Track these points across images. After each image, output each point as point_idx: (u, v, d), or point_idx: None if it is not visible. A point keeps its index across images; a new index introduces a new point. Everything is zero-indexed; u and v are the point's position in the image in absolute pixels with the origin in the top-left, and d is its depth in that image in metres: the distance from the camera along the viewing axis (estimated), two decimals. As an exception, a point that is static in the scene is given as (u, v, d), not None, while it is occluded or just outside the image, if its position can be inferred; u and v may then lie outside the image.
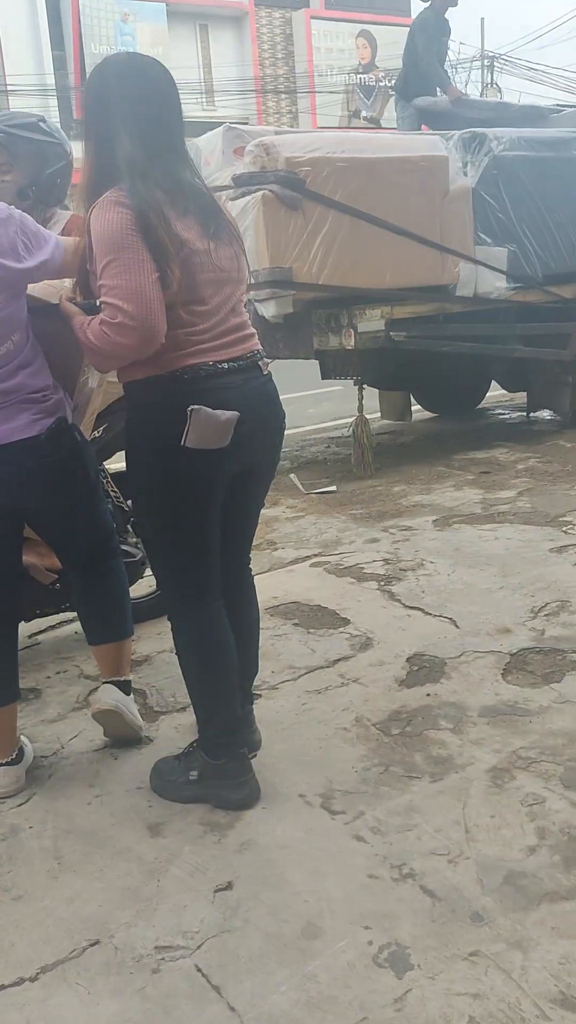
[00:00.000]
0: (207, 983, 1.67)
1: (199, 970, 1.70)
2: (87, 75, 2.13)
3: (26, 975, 1.73)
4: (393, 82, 8.50)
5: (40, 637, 3.29)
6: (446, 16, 6.85)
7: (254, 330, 2.13)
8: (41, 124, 2.75)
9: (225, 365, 1.99)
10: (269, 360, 2.16)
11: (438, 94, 6.74)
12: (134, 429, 2.06)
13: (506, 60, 21.70)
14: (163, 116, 1.98)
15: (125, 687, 2.47)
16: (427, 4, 6.81)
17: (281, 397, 2.19)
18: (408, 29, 7.05)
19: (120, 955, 1.75)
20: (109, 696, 2.42)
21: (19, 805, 2.28)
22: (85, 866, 2.02)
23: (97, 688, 2.48)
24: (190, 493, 2.04)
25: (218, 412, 1.94)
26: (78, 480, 2.24)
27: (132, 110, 1.93)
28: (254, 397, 2.05)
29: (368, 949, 1.71)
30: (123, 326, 1.85)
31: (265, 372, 2.12)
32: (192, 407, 1.92)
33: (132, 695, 2.51)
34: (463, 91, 7.12)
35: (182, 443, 1.94)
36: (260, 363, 2.10)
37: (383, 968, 1.67)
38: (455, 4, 6.76)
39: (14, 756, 2.34)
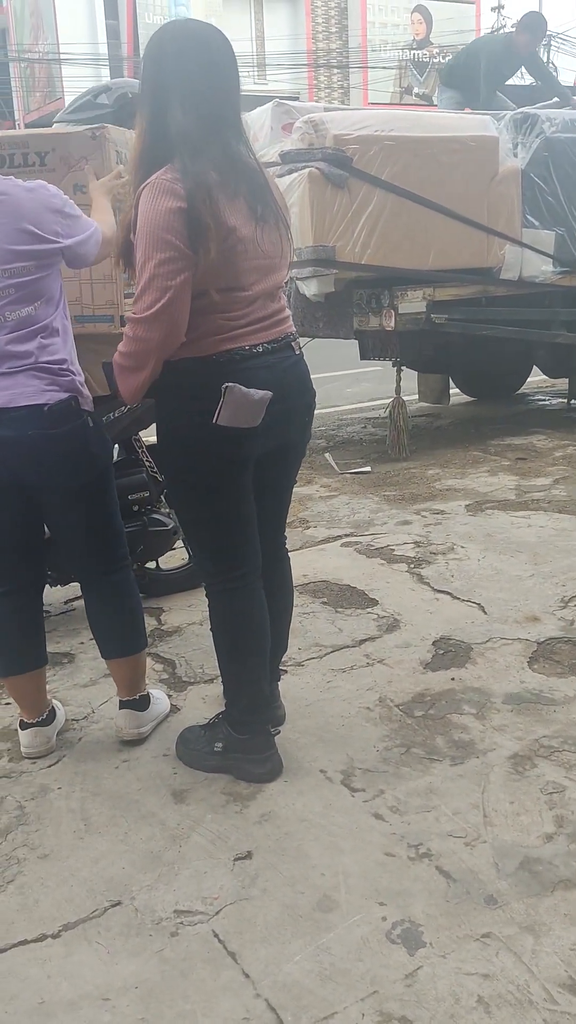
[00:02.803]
0: (223, 949, 1.71)
1: (216, 936, 1.74)
2: (140, 43, 2.15)
3: (48, 932, 1.78)
4: (447, 59, 8.32)
5: (75, 603, 3.35)
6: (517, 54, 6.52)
7: (289, 312, 2.14)
8: None
9: (259, 348, 2.01)
10: (308, 343, 2.17)
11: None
12: (165, 408, 2.06)
13: (563, 39, 21.21)
14: (221, 87, 1.93)
15: (143, 703, 2.44)
16: (500, 33, 6.53)
17: (319, 376, 2.21)
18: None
19: (140, 917, 1.80)
20: (130, 726, 2.42)
21: (49, 766, 2.35)
22: (110, 828, 2.08)
23: (118, 713, 2.44)
24: (220, 471, 2.05)
25: (251, 391, 1.96)
26: (84, 468, 2.19)
27: (190, 80, 1.90)
28: (286, 376, 2.07)
29: (382, 925, 1.74)
30: (150, 320, 1.89)
31: (297, 352, 2.13)
32: (226, 384, 1.94)
33: (151, 703, 2.48)
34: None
35: (214, 421, 1.95)
36: (293, 343, 2.11)
37: (395, 944, 1.70)
38: (522, 62, 6.47)
39: (44, 717, 2.40)
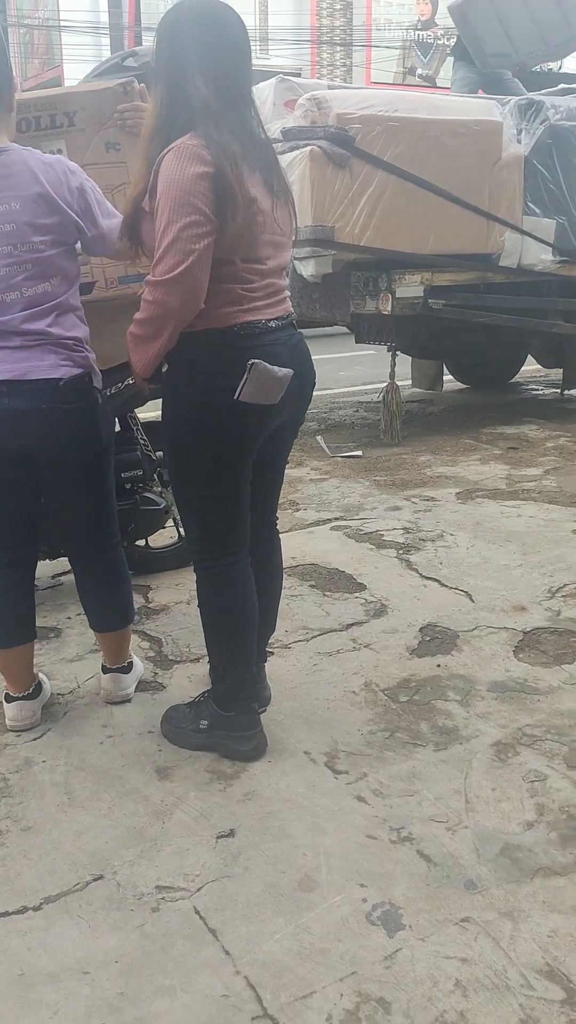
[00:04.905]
0: (204, 925, 1.72)
1: (197, 912, 1.75)
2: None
3: (30, 904, 1.79)
4: (451, 41, 8.26)
5: (63, 578, 3.34)
6: None
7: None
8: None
9: (273, 323, 2.02)
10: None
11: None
12: (181, 380, 2.04)
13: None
14: (237, 64, 1.95)
15: (127, 668, 2.52)
16: None
17: (313, 359, 2.22)
18: None
19: (122, 892, 1.81)
20: (118, 688, 2.50)
21: (34, 739, 2.35)
22: (94, 803, 2.08)
23: (103, 677, 2.51)
24: (232, 448, 2.05)
25: (275, 368, 1.97)
26: (91, 443, 2.21)
27: (208, 55, 1.90)
28: (296, 354, 2.09)
29: (362, 906, 1.76)
30: (171, 283, 1.87)
31: (298, 330, 2.15)
32: (253, 361, 1.94)
33: (133, 666, 2.56)
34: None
35: (236, 397, 1.95)
36: (294, 322, 2.14)
37: (375, 926, 1.71)
38: None
39: (31, 691, 2.40)
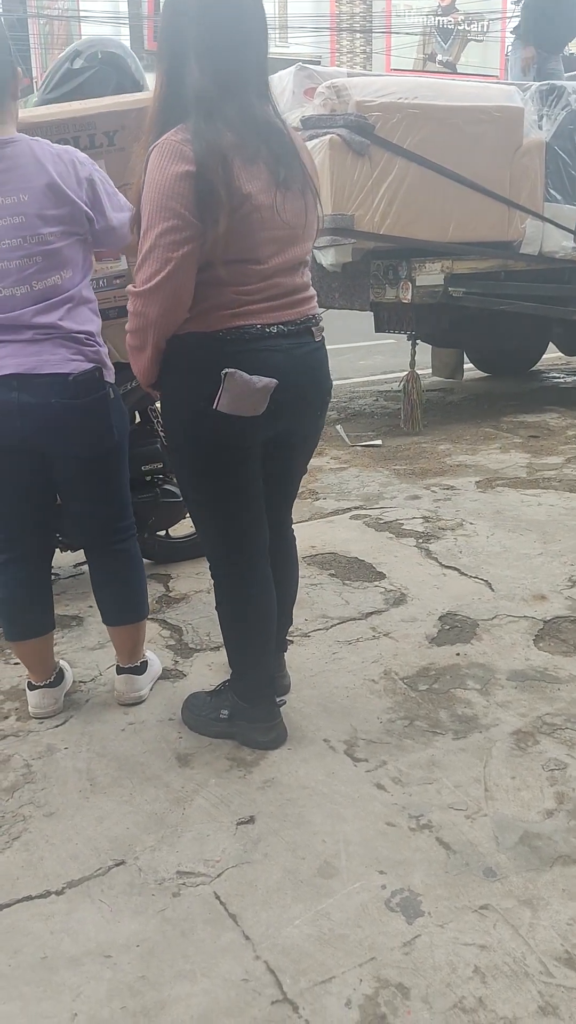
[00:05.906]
0: (224, 911, 1.74)
1: (217, 898, 1.77)
2: (160, 2, 2.06)
3: (52, 888, 1.81)
4: (472, 26, 8.21)
5: (84, 567, 3.36)
6: None
7: (314, 292, 2.03)
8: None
9: (274, 329, 1.89)
10: (323, 314, 2.08)
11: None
12: (170, 386, 1.97)
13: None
14: (244, 44, 1.80)
15: (140, 669, 2.48)
16: None
17: (331, 347, 2.14)
18: None
19: (143, 877, 1.83)
20: (130, 690, 2.46)
21: (56, 726, 2.37)
22: (115, 789, 2.10)
23: (117, 677, 2.48)
24: (222, 458, 1.97)
25: (254, 378, 1.85)
26: (102, 438, 2.17)
27: (209, 37, 1.76)
28: (302, 364, 1.95)
29: (381, 893, 1.77)
30: (149, 293, 1.81)
31: (317, 339, 2.01)
32: (226, 370, 1.83)
33: (148, 666, 2.52)
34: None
35: (214, 407, 1.87)
36: (314, 328, 1.99)
37: (394, 912, 1.72)
38: None
39: (52, 679, 2.42)
